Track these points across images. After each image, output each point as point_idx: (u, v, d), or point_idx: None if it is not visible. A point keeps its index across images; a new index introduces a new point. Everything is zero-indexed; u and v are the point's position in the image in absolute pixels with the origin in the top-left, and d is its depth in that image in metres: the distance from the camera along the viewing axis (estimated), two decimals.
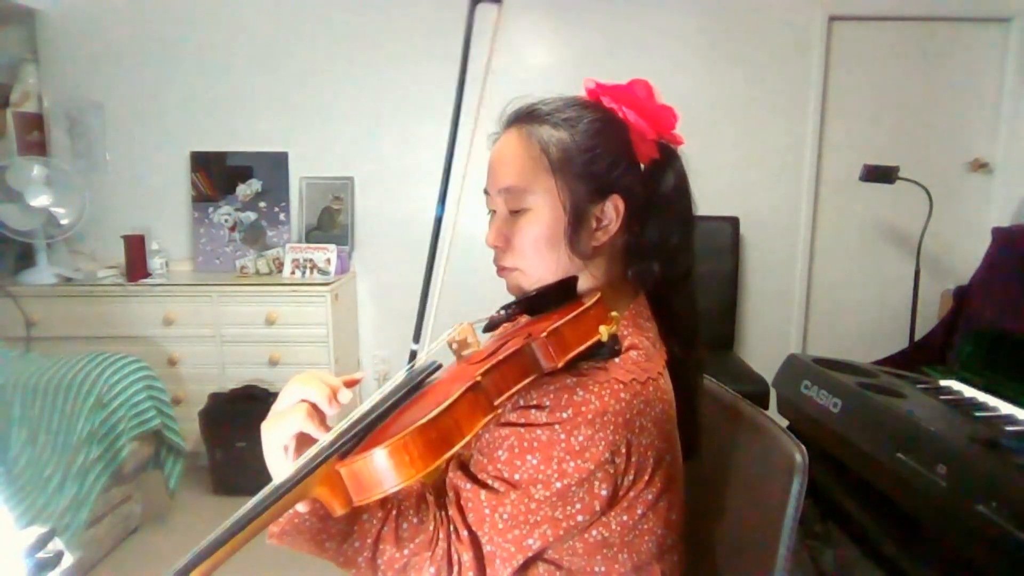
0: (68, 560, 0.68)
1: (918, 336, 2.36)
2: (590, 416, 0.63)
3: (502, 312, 0.75)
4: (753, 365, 2.43)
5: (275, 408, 0.60)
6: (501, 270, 0.79)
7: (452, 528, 0.66)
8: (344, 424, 0.57)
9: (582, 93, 0.80)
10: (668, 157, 0.78)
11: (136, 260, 2.55)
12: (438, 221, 0.68)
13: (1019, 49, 2.61)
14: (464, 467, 0.69)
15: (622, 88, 0.76)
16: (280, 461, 0.59)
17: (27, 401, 1.79)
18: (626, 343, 0.71)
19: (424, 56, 2.68)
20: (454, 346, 0.66)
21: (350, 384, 0.63)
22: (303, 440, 0.60)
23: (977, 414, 1.29)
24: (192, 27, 2.68)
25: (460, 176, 0.67)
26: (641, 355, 0.70)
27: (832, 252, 2.82)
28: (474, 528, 0.65)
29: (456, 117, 0.65)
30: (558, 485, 0.63)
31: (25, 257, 2.59)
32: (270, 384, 2.45)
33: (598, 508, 0.66)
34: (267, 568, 1.45)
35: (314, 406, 0.58)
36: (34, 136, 2.67)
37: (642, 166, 0.76)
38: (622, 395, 0.65)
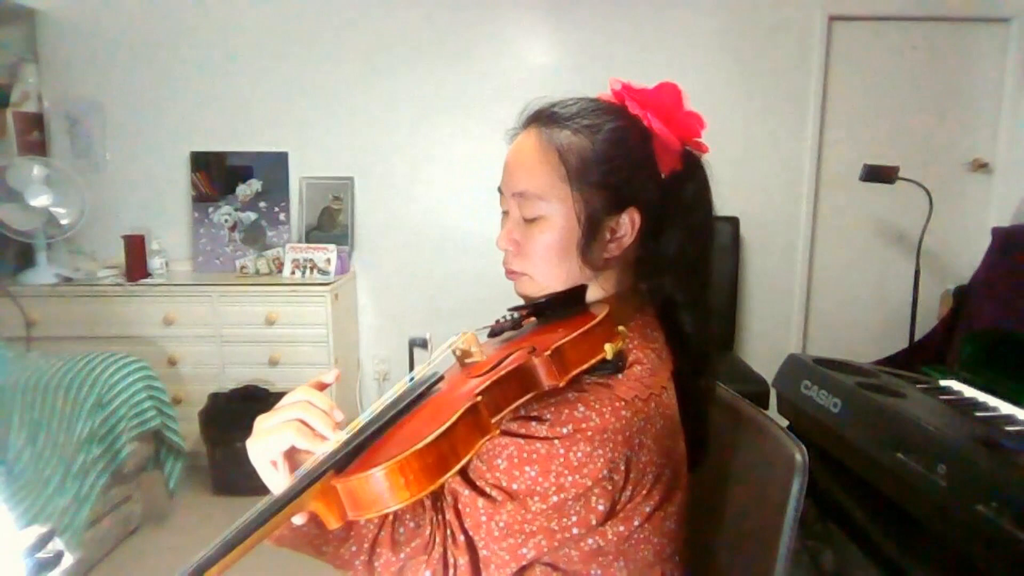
0: (68, 560, 0.68)
1: (918, 336, 2.36)
2: (590, 433, 0.63)
3: (507, 317, 0.74)
4: (753, 365, 2.43)
5: (260, 425, 0.59)
6: (510, 273, 0.78)
7: (449, 532, 0.66)
8: (342, 436, 0.56)
9: (605, 92, 0.77)
10: (691, 167, 0.75)
11: (136, 260, 2.54)
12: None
13: (1019, 49, 2.61)
14: (463, 472, 0.68)
15: (649, 92, 0.73)
16: (271, 475, 0.58)
17: (27, 401, 1.79)
18: (631, 357, 0.69)
19: (424, 56, 2.69)
20: (457, 353, 0.66)
21: (321, 388, 0.62)
22: (292, 455, 0.59)
23: (977, 414, 1.29)
24: (192, 27, 2.68)
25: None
26: (645, 370, 0.70)
27: (832, 252, 2.82)
28: (470, 533, 0.65)
29: None
30: (555, 499, 0.63)
31: (25, 257, 2.59)
32: (270, 384, 2.45)
33: (594, 522, 0.65)
34: (266, 570, 1.45)
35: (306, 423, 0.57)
36: (34, 136, 2.67)
37: (663, 176, 0.73)
38: (623, 413, 0.64)
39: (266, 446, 0.57)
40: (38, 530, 0.68)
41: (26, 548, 0.66)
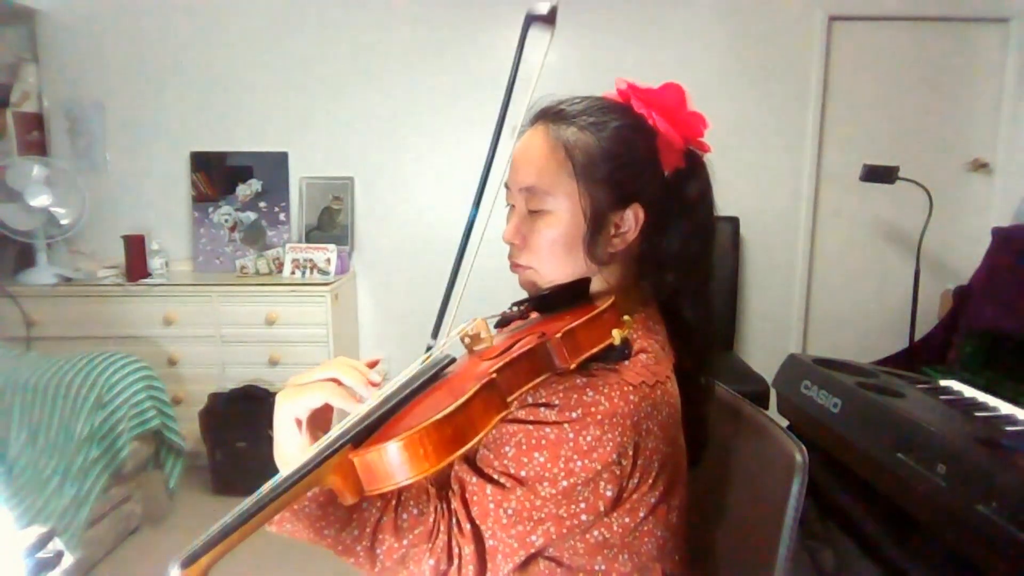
0: (68, 560, 0.68)
1: (918, 336, 2.36)
2: (599, 417, 0.64)
3: (514, 308, 0.75)
4: (753, 365, 2.43)
5: (294, 381, 0.60)
6: (515, 267, 0.79)
7: (455, 521, 0.66)
8: (379, 395, 0.57)
9: (609, 91, 0.79)
10: (694, 165, 0.77)
11: (136, 260, 2.54)
12: (471, 223, 0.67)
13: (1019, 49, 2.61)
14: (470, 461, 0.69)
15: (654, 92, 0.75)
16: (291, 435, 0.59)
17: (27, 401, 1.79)
18: (636, 346, 0.71)
19: (424, 56, 2.69)
20: (467, 340, 0.66)
21: (372, 365, 0.64)
22: (314, 421, 0.60)
23: (977, 414, 1.29)
24: (192, 27, 2.68)
25: (483, 179, 0.67)
26: (651, 358, 0.71)
27: (832, 252, 2.82)
28: (478, 522, 0.65)
29: (500, 126, 0.64)
30: (564, 484, 0.64)
31: (25, 257, 2.59)
32: (270, 384, 2.45)
33: (602, 508, 0.66)
34: (269, 559, 1.45)
35: (342, 383, 0.59)
36: (34, 136, 2.67)
37: (666, 174, 0.75)
38: (631, 397, 0.65)
39: (297, 402, 0.58)
40: (38, 530, 0.68)
41: (26, 548, 0.66)
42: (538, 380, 0.60)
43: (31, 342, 2.38)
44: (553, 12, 0.63)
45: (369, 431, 0.54)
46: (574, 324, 0.62)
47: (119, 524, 2.05)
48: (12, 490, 1.68)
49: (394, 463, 0.49)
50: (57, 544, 0.69)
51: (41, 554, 0.67)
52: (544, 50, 0.61)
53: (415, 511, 0.66)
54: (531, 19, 0.64)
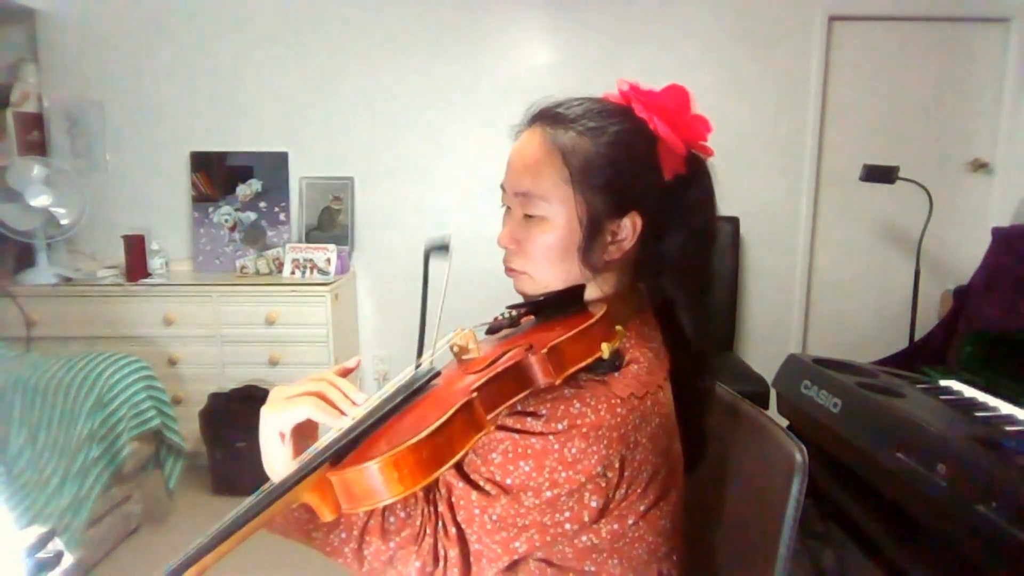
0: (68, 560, 0.68)
1: (918, 336, 2.36)
2: (585, 430, 0.63)
3: (505, 315, 0.74)
4: (753, 365, 2.43)
5: (277, 395, 0.60)
6: (509, 271, 0.78)
7: (441, 524, 0.66)
8: (360, 412, 0.57)
9: (610, 91, 0.77)
10: (696, 171, 0.75)
11: (136, 260, 2.54)
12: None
13: (1019, 49, 2.61)
14: (458, 465, 0.69)
15: (656, 95, 0.72)
16: (275, 448, 0.59)
17: (27, 401, 1.79)
18: (627, 357, 0.69)
19: (425, 55, 2.69)
20: (455, 349, 0.66)
21: (345, 373, 0.63)
22: (300, 432, 0.60)
23: (977, 414, 1.29)
24: (192, 27, 2.68)
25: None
26: (642, 368, 0.70)
27: (832, 252, 2.82)
28: (463, 526, 0.66)
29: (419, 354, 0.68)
30: (548, 494, 0.64)
31: (25, 257, 2.59)
32: (270, 384, 2.45)
33: (587, 518, 0.66)
34: (263, 565, 1.45)
35: (325, 397, 0.59)
36: (34, 136, 2.67)
37: (666, 180, 0.72)
38: (619, 411, 0.65)
39: (281, 416, 0.58)
40: (38, 530, 0.68)
41: (26, 548, 0.66)
42: (521, 396, 0.59)
43: (31, 342, 2.38)
44: (446, 244, 0.69)
45: (349, 449, 0.54)
46: (560, 339, 0.61)
47: (119, 524, 2.05)
48: (12, 490, 1.68)
49: (371, 484, 0.49)
50: (57, 544, 0.69)
51: (41, 554, 0.67)
52: (446, 273, 0.66)
53: (402, 514, 0.66)
54: (429, 252, 0.70)
